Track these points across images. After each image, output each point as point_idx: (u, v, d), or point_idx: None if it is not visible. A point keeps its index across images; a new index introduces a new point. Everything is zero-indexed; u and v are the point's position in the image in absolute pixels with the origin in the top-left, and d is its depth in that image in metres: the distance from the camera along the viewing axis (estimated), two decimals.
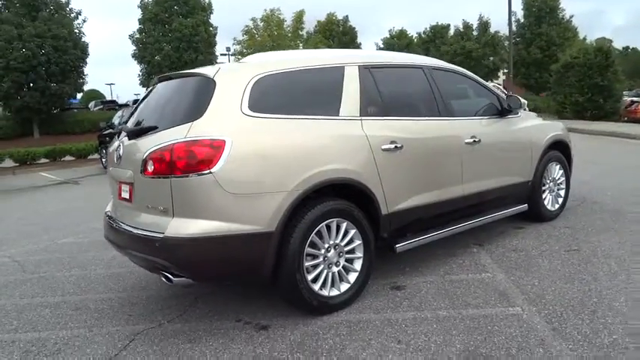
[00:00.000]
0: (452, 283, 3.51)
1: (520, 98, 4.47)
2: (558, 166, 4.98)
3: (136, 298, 3.70)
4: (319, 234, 3.04)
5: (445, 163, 3.79)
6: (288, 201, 2.84)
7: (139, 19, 28.84)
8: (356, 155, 3.19)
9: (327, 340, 2.79)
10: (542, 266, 3.71)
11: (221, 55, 31.86)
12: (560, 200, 5.06)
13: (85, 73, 26.46)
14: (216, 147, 2.69)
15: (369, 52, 4.18)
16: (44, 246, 5.66)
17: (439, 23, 41.44)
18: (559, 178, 5.02)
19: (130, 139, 3.17)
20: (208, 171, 2.67)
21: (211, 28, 30.00)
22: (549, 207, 4.91)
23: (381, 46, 40.10)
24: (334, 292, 3.14)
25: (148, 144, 2.89)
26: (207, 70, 3.04)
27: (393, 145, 3.38)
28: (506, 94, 4.48)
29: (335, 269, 3.15)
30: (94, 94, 50.67)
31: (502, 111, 4.42)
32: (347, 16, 36.75)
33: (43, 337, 3.13)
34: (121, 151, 3.21)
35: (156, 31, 28.18)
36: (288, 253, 2.88)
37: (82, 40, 25.79)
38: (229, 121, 2.82)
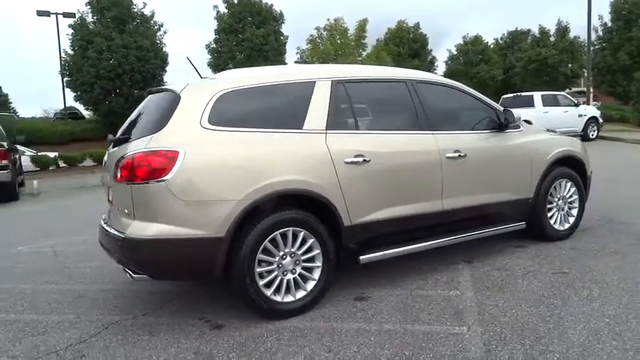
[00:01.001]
0: (416, 298, 3.50)
1: (515, 112, 4.31)
2: (569, 184, 4.72)
3: (128, 291, 4.06)
4: (274, 241, 3.20)
5: (421, 177, 3.78)
6: (238, 209, 3.03)
7: (214, 30, 30.50)
8: (315, 167, 3.31)
9: (266, 343, 2.94)
10: (518, 287, 3.58)
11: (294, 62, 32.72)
12: (572, 220, 4.79)
13: (165, 81, 28.42)
14: (170, 157, 2.95)
15: (348, 67, 4.26)
16: (83, 239, 6.28)
17: (518, 29, 39.60)
18: (570, 197, 4.76)
19: (112, 147, 3.53)
20: (162, 179, 2.94)
21: (282, 37, 30.99)
22: (557, 226, 4.67)
23: (454, 52, 39.12)
24: (288, 299, 3.27)
25: (120, 153, 3.22)
26: (177, 87, 3.32)
27: (358, 159, 3.46)
28: (503, 108, 4.34)
29: (290, 276, 3.29)
30: None
31: (500, 125, 4.30)
32: (418, 23, 36.34)
33: (39, 319, 3.56)
34: (105, 158, 3.58)
35: (229, 41, 29.63)
36: (238, 258, 3.07)
37: (163, 50, 27.79)
38: (186, 133, 3.07)
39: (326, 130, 3.44)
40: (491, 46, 39.54)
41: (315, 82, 3.56)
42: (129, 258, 3.05)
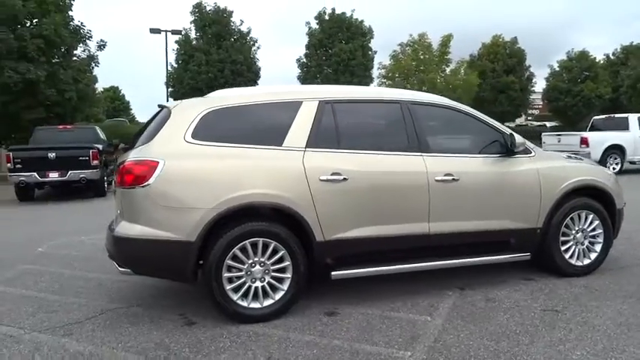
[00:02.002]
0: (384, 319, 3.51)
1: (518, 137, 4.10)
2: (592, 216, 4.37)
3: (136, 283, 4.49)
4: (244, 250, 3.42)
5: (405, 198, 3.78)
6: (208, 217, 3.30)
7: (305, 45, 31.65)
8: (288, 183, 3.49)
9: (220, 342, 3.16)
10: (494, 320, 3.44)
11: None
12: (594, 256, 4.42)
13: None
14: (152, 166, 3.32)
15: (340, 87, 4.32)
16: None
17: (634, 43, 36.07)
18: (593, 230, 4.40)
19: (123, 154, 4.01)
20: (144, 185, 3.31)
21: (370, 52, 31.28)
22: (573, 261, 4.34)
23: (556, 68, 36.61)
24: (255, 305, 3.47)
25: (121, 159, 3.66)
26: (172, 104, 3.70)
27: (335, 177, 3.57)
28: (509, 132, 4.16)
29: (259, 284, 3.48)
30: None
31: (507, 150, 4.14)
32: (515, 37, 34.51)
33: (58, 300, 4.12)
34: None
35: (318, 56, 30.56)
36: (207, 262, 3.34)
37: (256, 64, 29.41)
38: (170, 146, 3.43)
39: (305, 148, 3.61)
40: (601, 62, 36.41)
41: (302, 102, 3.75)
42: (116, 253, 3.46)
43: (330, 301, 3.86)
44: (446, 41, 22.43)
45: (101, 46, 17.68)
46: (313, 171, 3.54)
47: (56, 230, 7.59)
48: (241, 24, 29.60)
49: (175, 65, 29.28)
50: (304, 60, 31.94)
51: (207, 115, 3.54)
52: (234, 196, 3.34)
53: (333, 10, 31.03)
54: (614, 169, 13.60)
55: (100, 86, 36.63)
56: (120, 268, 3.50)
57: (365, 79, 29.91)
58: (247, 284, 3.46)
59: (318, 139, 3.67)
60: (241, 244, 3.40)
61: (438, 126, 4.15)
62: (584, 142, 13.79)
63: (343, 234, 3.62)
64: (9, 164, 10.61)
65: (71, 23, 16.75)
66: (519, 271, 4.50)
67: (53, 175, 11.05)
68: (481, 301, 3.84)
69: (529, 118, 50.08)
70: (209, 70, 27.56)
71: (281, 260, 3.51)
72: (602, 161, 13.63)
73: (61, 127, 13.15)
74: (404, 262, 3.87)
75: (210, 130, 3.51)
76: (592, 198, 4.39)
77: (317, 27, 31.60)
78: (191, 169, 3.38)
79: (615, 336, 3.14)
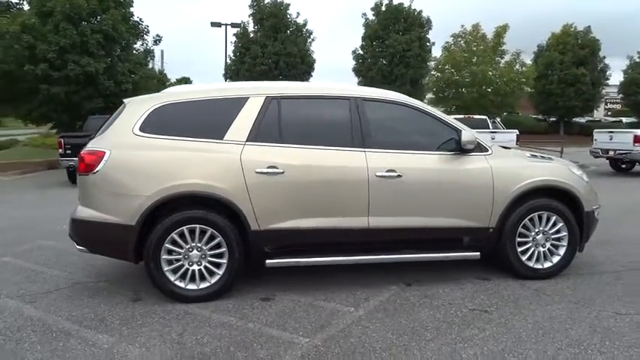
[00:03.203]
0: (310, 307, 3.66)
1: (466, 135, 4.00)
2: (554, 218, 4.21)
3: (122, 264, 4.85)
4: (182, 235, 3.70)
5: (343, 192, 3.87)
6: (147, 203, 3.61)
7: (361, 37, 31.50)
8: (224, 174, 3.71)
9: (148, 318, 3.47)
10: (413, 316, 3.48)
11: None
12: (557, 259, 4.26)
13: None
14: (99, 156, 3.68)
15: (289, 84, 4.41)
16: None
17: None
18: (556, 232, 4.24)
19: None
20: (93, 172, 3.68)
21: (428, 44, 30.55)
22: (531, 263, 4.21)
23: (637, 59, 33.76)
24: (192, 287, 3.75)
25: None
26: (128, 99, 4.04)
27: (271, 170, 3.75)
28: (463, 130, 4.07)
29: (196, 267, 3.75)
30: None
31: (461, 148, 4.09)
32: (589, 27, 32.13)
33: (44, 271, 4.62)
34: None
35: (373, 48, 30.33)
36: (146, 245, 3.66)
37: (310, 56, 29.73)
38: (119, 138, 3.77)
39: (246, 141, 3.81)
40: None
41: (248, 97, 3.95)
42: (72, 233, 3.87)
43: (273, 287, 4.06)
44: (501, 32, 21.39)
45: (157, 40, 18.83)
46: (250, 164, 3.74)
47: None
48: (297, 16, 30.04)
49: (233, 57, 30.32)
50: (360, 52, 31.84)
51: (155, 110, 3.84)
52: (170, 185, 3.62)
53: (391, 0, 30.63)
54: None
55: (172, 77, 38.85)
56: (78, 247, 3.90)
57: (420, 71, 29.30)
58: (185, 267, 3.74)
59: (260, 133, 3.86)
60: (179, 229, 3.68)
61: (387, 122, 4.17)
62: (637, 140, 12.74)
63: (279, 224, 3.79)
64: (60, 150, 11.68)
65: (131, 19, 17.95)
66: (479, 270, 4.44)
67: None
68: (417, 296, 3.87)
69: (609, 113, 46.56)
70: (264, 62, 28.27)
71: (218, 246, 3.75)
72: None
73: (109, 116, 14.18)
74: (344, 254, 3.98)
75: (156, 123, 3.81)
76: (557, 199, 4.22)
77: (373, 18, 31.35)
78: (134, 159, 3.70)
79: (524, 339, 3.08)
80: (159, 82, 22.81)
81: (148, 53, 19.05)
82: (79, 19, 15.84)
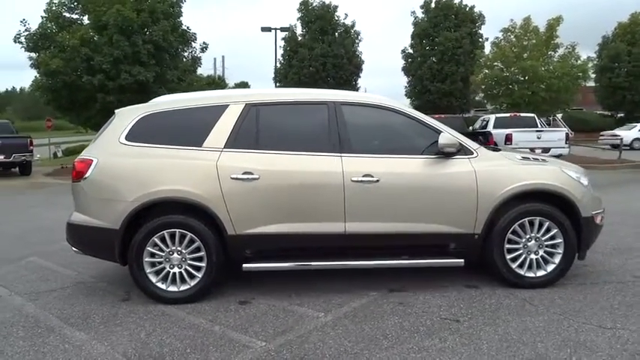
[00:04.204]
0: (281, 311, 3.71)
1: (445, 138, 3.86)
2: (547, 224, 3.98)
3: None
4: (163, 239, 3.87)
5: (318, 198, 3.87)
6: (130, 208, 3.80)
7: (410, 35, 31.02)
8: (201, 180, 3.84)
9: (129, 318, 3.66)
10: (380, 323, 3.43)
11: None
12: (551, 267, 4.03)
13: (358, 85, 30.32)
14: (88, 164, 3.93)
15: (268, 91, 4.43)
16: None
17: None
18: (550, 239, 4.01)
19: None
20: (82, 179, 3.93)
21: (480, 40, 29.57)
22: (522, 271, 4.01)
23: None
24: (172, 288, 3.91)
25: None
26: (119, 109, 4.26)
27: (247, 176, 3.83)
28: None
29: (177, 270, 3.91)
30: None
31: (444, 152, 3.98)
32: None
33: (58, 271, 4.98)
34: None
35: (422, 46, 29.77)
36: (129, 248, 3.86)
37: (358, 57, 29.65)
38: (106, 146, 4.00)
39: (223, 148, 3.92)
40: None
41: (228, 105, 4.06)
42: (68, 237, 4.15)
43: (255, 291, 4.14)
44: (554, 24, 20.20)
45: (203, 48, 19.54)
46: (225, 170, 3.84)
47: None
48: (345, 17, 30.08)
49: (282, 61, 30.86)
50: (409, 50, 31.37)
51: (141, 119, 4.04)
52: (151, 191, 3.80)
53: None
54: None
55: (231, 82, 40.18)
56: (74, 249, 4.18)
57: (471, 68, 28.40)
58: (166, 269, 3.91)
59: (238, 140, 3.95)
60: (160, 233, 3.85)
61: (366, 126, 4.13)
62: None
63: (255, 229, 3.87)
64: None
65: (179, 29, 18.78)
66: (472, 277, 4.28)
67: None
68: (393, 303, 3.80)
69: None
70: (312, 65, 28.55)
71: (197, 250, 3.89)
72: None
73: None
74: (324, 259, 3.99)
75: (141, 132, 4.00)
76: (551, 204, 3.99)
77: (423, 16, 30.77)
78: (119, 166, 3.91)
79: (483, 352, 2.96)
80: (209, 85, 23.58)
81: (195, 61, 19.80)
82: (131, 30, 16.76)
